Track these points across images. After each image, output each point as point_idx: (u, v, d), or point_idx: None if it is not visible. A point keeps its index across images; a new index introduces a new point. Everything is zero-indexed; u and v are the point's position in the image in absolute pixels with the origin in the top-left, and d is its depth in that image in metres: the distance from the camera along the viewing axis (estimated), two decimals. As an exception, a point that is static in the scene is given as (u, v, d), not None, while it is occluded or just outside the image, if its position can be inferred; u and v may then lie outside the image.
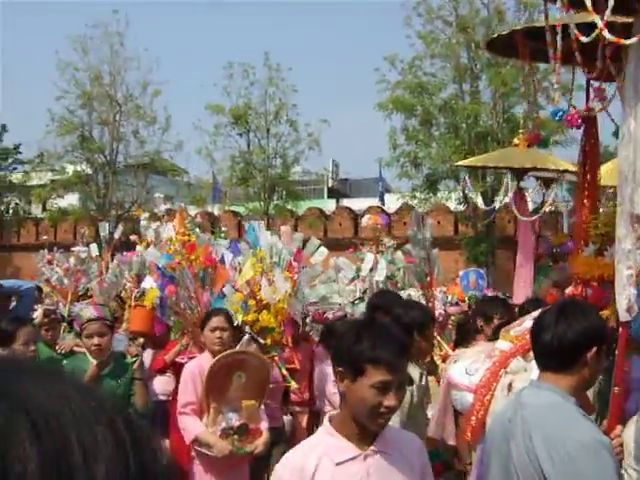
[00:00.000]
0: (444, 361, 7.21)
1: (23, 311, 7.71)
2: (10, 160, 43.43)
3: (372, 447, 2.96)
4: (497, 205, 11.01)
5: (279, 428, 7.08)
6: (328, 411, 7.47)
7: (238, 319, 6.59)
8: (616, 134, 5.02)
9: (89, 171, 37.58)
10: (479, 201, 28.79)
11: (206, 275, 7.33)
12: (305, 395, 7.81)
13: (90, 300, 11.94)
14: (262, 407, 5.90)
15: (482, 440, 4.05)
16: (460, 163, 13.88)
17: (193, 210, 25.34)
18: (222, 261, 7.41)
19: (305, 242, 7.70)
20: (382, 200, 30.75)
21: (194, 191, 36.49)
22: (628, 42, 3.86)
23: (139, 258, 10.35)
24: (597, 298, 5.88)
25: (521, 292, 9.32)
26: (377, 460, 2.96)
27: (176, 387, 7.18)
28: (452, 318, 11.14)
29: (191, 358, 6.96)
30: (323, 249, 7.57)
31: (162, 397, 7.38)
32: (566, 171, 9.64)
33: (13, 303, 8.10)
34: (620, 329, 4.09)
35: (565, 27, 4.70)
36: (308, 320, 8.41)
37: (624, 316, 4.00)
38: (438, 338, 8.25)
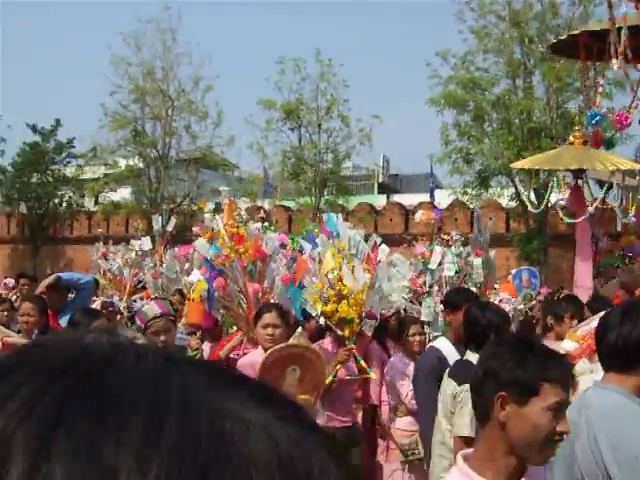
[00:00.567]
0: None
1: (81, 304, 7.77)
2: (64, 154, 43.96)
3: None
4: (552, 202, 10.91)
5: (353, 426, 7.06)
6: (393, 404, 7.51)
7: (317, 309, 6.59)
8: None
9: (141, 165, 37.95)
10: (532, 197, 28.73)
11: (255, 268, 7.35)
12: (359, 392, 7.77)
13: (144, 293, 12.09)
14: (318, 402, 5.88)
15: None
16: (517, 165, 13.68)
17: (244, 204, 25.41)
18: (300, 252, 7.39)
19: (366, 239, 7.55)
20: (432, 196, 30.54)
21: (245, 186, 36.59)
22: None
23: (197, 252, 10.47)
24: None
25: (581, 291, 9.21)
26: None
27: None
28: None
29: (245, 354, 7.01)
30: (384, 247, 7.52)
31: None
32: (625, 170, 9.51)
33: (71, 295, 8.18)
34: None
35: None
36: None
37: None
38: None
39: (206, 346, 7.54)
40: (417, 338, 7.56)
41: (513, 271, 15.26)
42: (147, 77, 36.81)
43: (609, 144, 13.18)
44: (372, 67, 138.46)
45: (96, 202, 42.19)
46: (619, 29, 4.59)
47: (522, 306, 11.65)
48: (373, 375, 6.91)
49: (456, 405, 5.19)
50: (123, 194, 39.59)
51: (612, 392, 3.07)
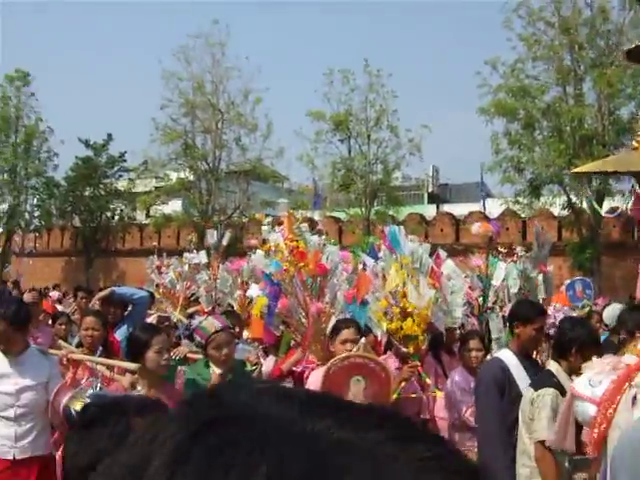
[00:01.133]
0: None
1: (136, 318, 7.86)
2: (116, 168, 44.64)
3: None
4: (614, 209, 10.72)
5: None
6: (452, 421, 7.40)
7: (382, 327, 6.54)
8: None
9: (192, 178, 38.31)
10: (584, 205, 28.36)
11: (315, 283, 7.29)
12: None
13: (199, 307, 12.17)
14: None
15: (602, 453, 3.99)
16: (579, 170, 13.43)
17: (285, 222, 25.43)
18: (363, 267, 7.30)
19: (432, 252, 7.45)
20: (484, 205, 30.26)
21: (295, 197, 36.72)
22: None
23: (249, 265, 10.49)
24: None
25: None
26: None
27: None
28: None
29: (307, 367, 7.00)
30: (450, 262, 7.36)
31: None
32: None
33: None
34: None
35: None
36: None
37: None
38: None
39: (270, 360, 7.55)
40: (474, 354, 7.43)
41: (566, 281, 15.09)
42: (197, 91, 37.22)
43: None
44: (421, 77, 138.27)
45: (147, 215, 42.68)
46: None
47: (574, 314, 11.54)
48: (439, 394, 6.80)
49: (534, 411, 5.21)
50: (174, 207, 39.99)
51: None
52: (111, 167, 44.46)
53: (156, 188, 40.07)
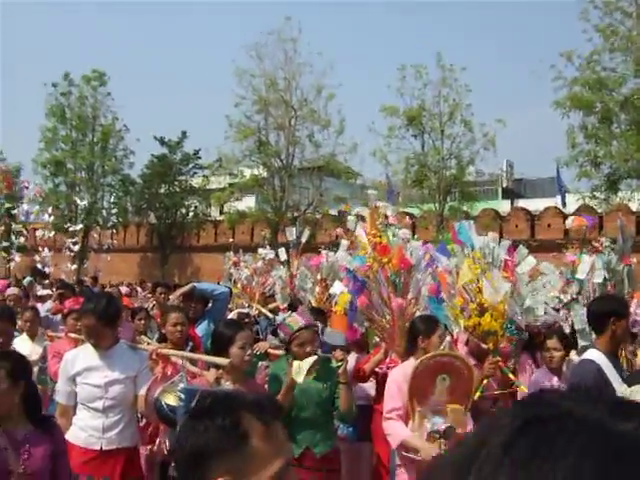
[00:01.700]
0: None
1: (217, 314, 7.93)
2: (190, 165, 45.33)
3: None
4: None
5: None
6: None
7: (460, 324, 6.49)
8: None
9: (265, 175, 38.57)
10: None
11: (399, 279, 7.22)
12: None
13: (277, 304, 12.24)
14: (468, 412, 5.79)
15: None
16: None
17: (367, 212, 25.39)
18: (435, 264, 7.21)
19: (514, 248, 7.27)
20: (564, 201, 29.61)
21: (367, 193, 36.57)
22: None
23: (328, 262, 10.50)
24: None
25: None
26: None
27: (378, 393, 7.21)
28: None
29: (389, 367, 6.98)
30: (531, 258, 7.17)
31: (364, 402, 7.30)
32: None
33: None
34: None
35: None
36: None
37: None
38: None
39: (352, 357, 7.55)
40: (554, 353, 7.26)
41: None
42: (270, 88, 37.40)
43: None
44: (495, 70, 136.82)
45: (221, 211, 43.12)
46: None
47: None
48: (524, 388, 6.64)
49: None
50: (248, 203, 40.32)
51: None
52: (186, 164, 45.18)
53: (230, 185, 40.44)
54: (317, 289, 10.64)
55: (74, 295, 11.47)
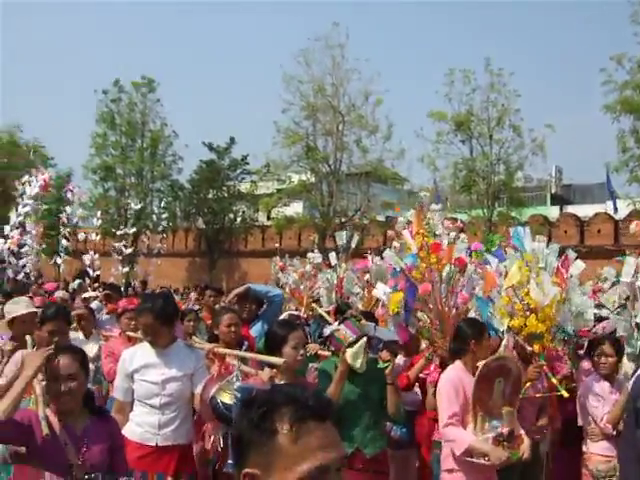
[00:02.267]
0: None
1: (272, 316, 7.98)
2: (238, 171, 45.60)
3: None
4: None
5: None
6: (591, 429, 7.16)
7: (504, 324, 6.47)
8: None
9: (313, 180, 38.67)
10: None
11: (450, 280, 7.18)
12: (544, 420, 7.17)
13: (329, 309, 12.30)
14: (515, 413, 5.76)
15: None
16: None
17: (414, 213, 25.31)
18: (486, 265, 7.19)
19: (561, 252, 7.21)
20: (615, 206, 29.07)
21: (415, 199, 36.49)
22: None
23: (377, 264, 10.53)
24: None
25: None
26: None
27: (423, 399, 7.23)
28: None
29: (428, 373, 6.99)
30: (580, 263, 7.12)
31: (411, 408, 7.26)
32: None
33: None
34: None
35: None
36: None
37: None
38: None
39: (400, 360, 7.58)
40: (604, 360, 7.13)
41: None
42: (318, 93, 37.51)
43: None
44: (544, 74, 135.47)
45: (269, 217, 43.33)
46: None
47: None
48: (565, 394, 6.58)
49: None
50: (295, 208, 40.48)
51: None
52: (234, 170, 45.48)
53: (278, 190, 40.68)
54: (363, 293, 10.69)
55: (120, 296, 11.69)
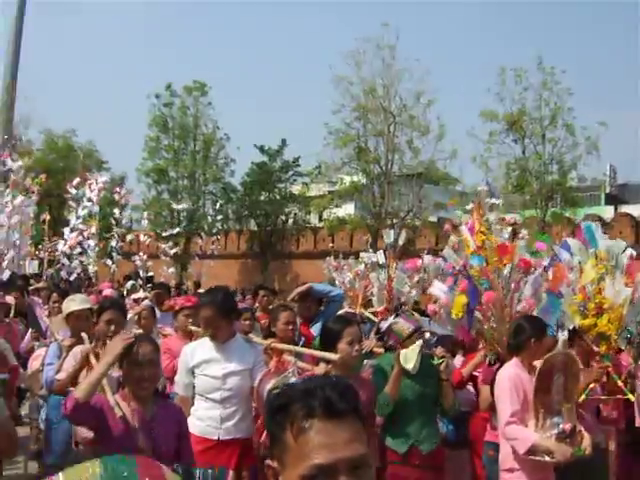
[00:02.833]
0: None
1: (332, 315, 8.03)
2: (290, 173, 45.77)
3: None
4: None
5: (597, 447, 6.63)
6: None
7: (575, 322, 6.41)
8: None
9: (365, 181, 38.68)
10: None
11: (512, 279, 7.11)
12: (613, 413, 6.98)
13: (382, 308, 12.33)
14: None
15: None
16: None
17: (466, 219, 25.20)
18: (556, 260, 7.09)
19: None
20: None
21: (468, 199, 36.24)
22: None
23: (435, 263, 10.52)
24: None
25: None
26: None
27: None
28: None
29: (479, 371, 6.96)
30: None
31: (465, 408, 7.16)
32: None
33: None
34: None
35: None
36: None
37: None
38: None
39: (458, 359, 7.61)
40: None
41: None
42: (368, 94, 37.51)
43: None
44: (597, 71, 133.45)
45: (320, 218, 43.43)
46: None
47: None
48: (631, 397, 6.45)
49: None
50: (347, 210, 40.50)
51: None
52: (285, 172, 45.65)
53: (329, 192, 40.76)
54: (414, 292, 10.70)
55: (169, 296, 11.85)
